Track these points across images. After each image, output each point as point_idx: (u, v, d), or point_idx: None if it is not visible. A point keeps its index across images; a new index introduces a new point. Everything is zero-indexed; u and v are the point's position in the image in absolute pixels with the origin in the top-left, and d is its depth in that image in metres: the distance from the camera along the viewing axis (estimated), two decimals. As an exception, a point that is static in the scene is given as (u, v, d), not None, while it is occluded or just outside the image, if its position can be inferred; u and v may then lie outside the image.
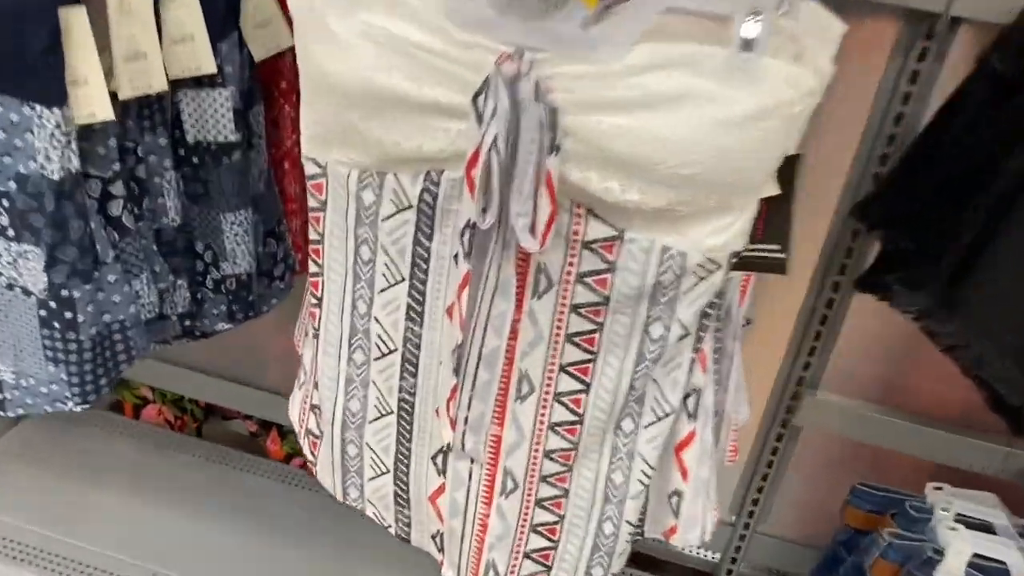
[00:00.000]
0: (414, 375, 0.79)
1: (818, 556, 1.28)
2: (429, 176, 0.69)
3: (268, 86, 1.00)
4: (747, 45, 0.58)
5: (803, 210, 0.79)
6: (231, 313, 1.06)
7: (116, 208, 0.89)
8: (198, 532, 1.38)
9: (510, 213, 0.65)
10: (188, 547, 1.36)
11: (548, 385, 0.76)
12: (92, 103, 0.81)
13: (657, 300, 0.70)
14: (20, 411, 0.97)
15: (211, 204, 0.98)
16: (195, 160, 0.95)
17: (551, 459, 0.79)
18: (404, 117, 0.65)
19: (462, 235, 0.67)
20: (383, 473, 0.87)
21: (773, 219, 0.69)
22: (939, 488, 1.13)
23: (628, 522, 0.83)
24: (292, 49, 0.78)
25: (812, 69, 0.62)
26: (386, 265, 0.75)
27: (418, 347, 0.78)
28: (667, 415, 0.77)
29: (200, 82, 0.89)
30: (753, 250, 0.70)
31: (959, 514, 1.09)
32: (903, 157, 0.93)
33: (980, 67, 0.85)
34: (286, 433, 1.61)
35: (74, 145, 0.82)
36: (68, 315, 0.88)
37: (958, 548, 1.03)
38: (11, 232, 0.85)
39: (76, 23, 0.78)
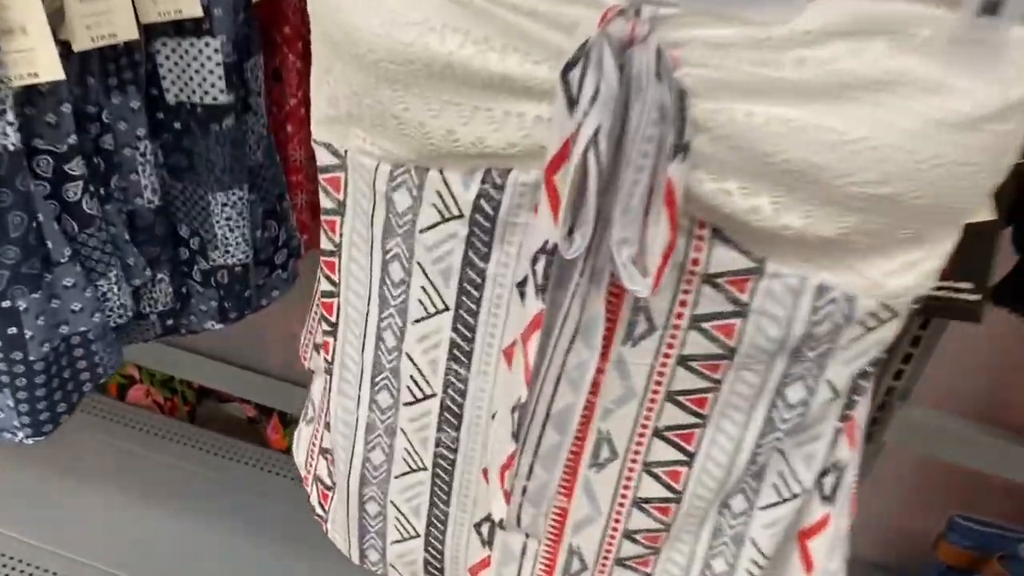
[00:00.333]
0: (456, 428, 0.61)
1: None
2: (489, 177, 0.50)
3: (268, 31, 0.84)
4: (989, 6, 0.39)
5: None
6: (222, 310, 0.90)
7: (74, 191, 0.73)
8: (187, 537, 1.27)
9: (608, 236, 0.47)
10: (176, 554, 1.25)
11: (636, 453, 0.58)
12: (34, 59, 0.64)
13: (803, 356, 0.51)
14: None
15: (197, 181, 0.82)
16: (177, 126, 0.80)
17: (632, 540, 0.62)
18: (461, 95, 0.47)
19: (534, 261, 0.50)
20: (411, 537, 0.70)
21: (969, 249, 0.50)
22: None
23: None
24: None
25: None
26: (424, 289, 0.57)
27: (463, 394, 0.60)
28: (795, 496, 0.58)
29: (182, 28, 0.74)
30: (939, 288, 0.50)
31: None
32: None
33: None
34: (289, 421, 1.46)
35: (10, 115, 0.65)
36: (12, 331, 0.71)
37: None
38: (-66, 229, 0.69)
39: (4, -52, 0.60)
